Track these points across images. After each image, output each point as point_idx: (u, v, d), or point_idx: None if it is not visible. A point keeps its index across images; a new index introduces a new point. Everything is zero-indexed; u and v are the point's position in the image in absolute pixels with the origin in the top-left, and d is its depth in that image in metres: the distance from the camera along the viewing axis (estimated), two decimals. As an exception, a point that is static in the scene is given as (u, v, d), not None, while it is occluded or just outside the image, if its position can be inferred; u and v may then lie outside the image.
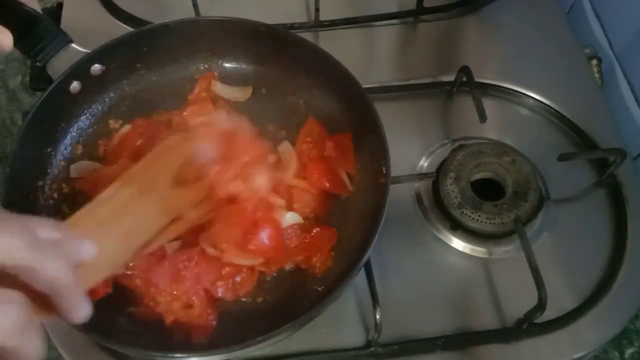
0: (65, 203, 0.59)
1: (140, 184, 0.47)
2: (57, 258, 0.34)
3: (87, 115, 0.64)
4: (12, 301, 0.32)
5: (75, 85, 0.61)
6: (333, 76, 0.61)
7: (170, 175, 0.48)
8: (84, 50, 0.61)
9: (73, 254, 0.36)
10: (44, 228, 0.35)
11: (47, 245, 0.34)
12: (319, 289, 0.55)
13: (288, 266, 0.57)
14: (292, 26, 0.76)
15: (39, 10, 0.61)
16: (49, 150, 0.60)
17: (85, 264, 0.37)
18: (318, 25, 0.76)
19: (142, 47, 0.64)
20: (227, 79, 0.67)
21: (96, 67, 0.62)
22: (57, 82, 0.59)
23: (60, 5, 0.78)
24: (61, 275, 0.34)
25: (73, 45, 0.61)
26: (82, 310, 0.36)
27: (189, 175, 0.50)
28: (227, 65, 0.67)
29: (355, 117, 0.61)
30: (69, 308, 0.35)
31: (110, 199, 0.46)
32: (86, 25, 0.75)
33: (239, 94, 0.66)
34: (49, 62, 0.60)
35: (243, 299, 0.56)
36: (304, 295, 0.55)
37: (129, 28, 0.76)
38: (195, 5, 0.72)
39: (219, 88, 0.66)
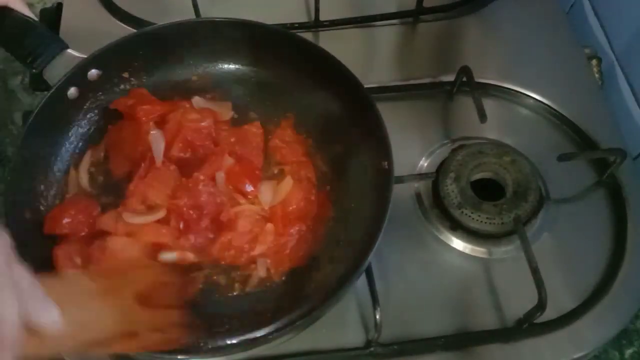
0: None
1: (104, 285, 0.46)
2: (13, 303, 0.30)
3: (87, 120, 0.63)
4: None
5: (72, 91, 0.61)
6: (334, 76, 0.61)
7: (135, 290, 0.47)
8: (81, 56, 0.61)
9: (36, 313, 0.32)
10: (21, 270, 0.32)
11: (9, 286, 0.30)
12: (321, 290, 0.55)
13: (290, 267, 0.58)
14: (292, 26, 0.76)
15: (32, 16, 0.61)
16: (49, 156, 0.60)
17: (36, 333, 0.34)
18: (318, 25, 0.76)
19: (141, 50, 0.64)
20: (228, 79, 0.67)
21: (93, 72, 0.62)
22: (54, 89, 0.59)
23: (59, 6, 0.77)
24: (8, 320, 0.30)
25: (69, 50, 0.61)
26: None
27: (156, 300, 0.48)
28: (227, 65, 0.67)
29: (357, 118, 0.61)
30: None
31: (73, 283, 0.45)
32: (85, 26, 0.75)
33: (220, 109, 0.65)
34: (45, 68, 0.60)
35: (244, 302, 0.56)
36: (306, 296, 0.55)
37: (129, 28, 0.76)
38: (195, 6, 0.72)
39: (198, 102, 0.65)
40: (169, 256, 0.56)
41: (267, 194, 0.60)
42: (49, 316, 0.34)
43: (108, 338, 0.44)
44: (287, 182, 0.60)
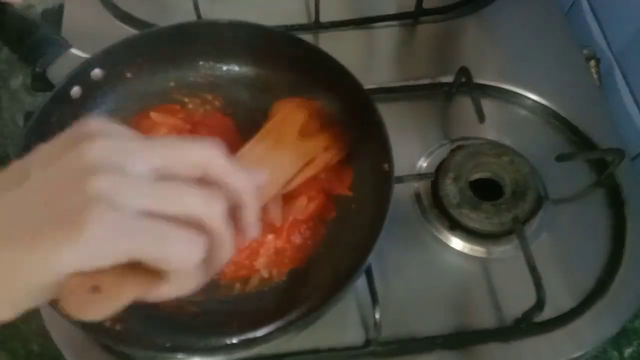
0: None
1: (272, 139, 0.57)
2: (243, 173, 0.37)
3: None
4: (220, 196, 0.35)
5: (76, 90, 0.61)
6: (334, 78, 0.62)
7: (296, 130, 0.59)
8: (84, 55, 0.61)
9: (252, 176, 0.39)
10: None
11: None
12: (321, 290, 0.55)
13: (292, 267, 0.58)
14: (292, 28, 0.76)
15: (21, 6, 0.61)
16: None
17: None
18: (318, 26, 0.77)
19: (143, 50, 0.64)
20: (229, 80, 0.67)
21: (97, 72, 0.62)
22: (57, 89, 0.59)
23: (61, 7, 0.78)
24: (249, 186, 0.37)
25: (73, 50, 0.62)
26: (256, 228, 0.38)
27: (312, 129, 0.60)
28: (228, 67, 0.68)
29: (357, 119, 0.61)
30: (249, 223, 0.38)
31: (250, 152, 0.56)
32: (87, 27, 0.76)
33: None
34: (48, 67, 0.61)
35: (244, 302, 0.56)
36: (306, 296, 0.55)
37: (130, 29, 0.76)
38: (196, 8, 0.73)
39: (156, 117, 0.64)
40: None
41: (276, 211, 0.58)
42: (260, 177, 0.41)
43: (293, 176, 0.56)
44: (301, 203, 0.59)
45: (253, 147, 0.57)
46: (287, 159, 0.57)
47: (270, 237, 0.58)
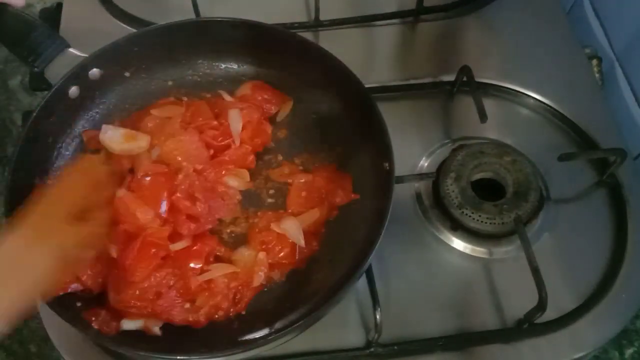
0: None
1: (34, 230, 0.44)
2: None
3: (87, 118, 0.63)
4: None
5: (74, 90, 0.60)
6: (334, 76, 0.61)
7: (68, 213, 0.46)
8: (82, 55, 0.61)
9: None
10: None
11: None
12: (321, 291, 0.55)
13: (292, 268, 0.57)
14: (292, 26, 0.76)
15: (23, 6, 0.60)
16: (50, 155, 0.60)
17: None
18: (318, 25, 0.76)
19: (142, 49, 0.64)
20: (228, 79, 0.67)
21: (95, 72, 0.62)
22: (55, 88, 0.59)
23: (59, 6, 0.77)
24: None
25: (71, 49, 0.61)
26: None
27: (92, 202, 0.49)
28: (227, 65, 0.67)
29: (358, 118, 0.61)
30: None
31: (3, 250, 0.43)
32: (85, 26, 0.75)
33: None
34: (47, 67, 0.60)
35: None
36: (307, 297, 0.55)
37: (128, 28, 0.76)
38: (195, 6, 0.72)
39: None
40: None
41: (297, 233, 0.57)
42: None
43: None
44: (314, 215, 0.58)
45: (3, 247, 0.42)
46: (51, 256, 0.43)
47: (261, 255, 0.56)
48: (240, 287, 0.55)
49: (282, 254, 0.56)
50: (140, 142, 0.59)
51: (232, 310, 0.54)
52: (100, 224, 0.49)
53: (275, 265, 0.56)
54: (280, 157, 0.63)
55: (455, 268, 0.61)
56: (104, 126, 0.61)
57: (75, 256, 0.47)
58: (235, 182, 0.60)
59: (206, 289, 0.54)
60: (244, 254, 0.56)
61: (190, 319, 0.53)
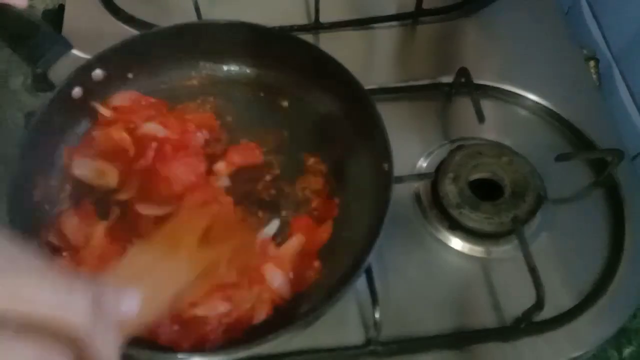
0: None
1: (163, 247, 0.46)
2: (106, 332, 0.30)
3: (90, 120, 0.64)
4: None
5: (77, 91, 0.61)
6: (334, 78, 0.62)
7: (196, 238, 0.47)
8: (85, 56, 0.61)
9: (118, 311, 0.32)
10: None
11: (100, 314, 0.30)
12: (321, 290, 0.55)
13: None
14: (292, 28, 0.76)
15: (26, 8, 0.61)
16: (52, 156, 0.60)
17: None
18: (318, 27, 0.77)
19: (144, 51, 0.64)
20: (229, 81, 0.67)
21: (98, 73, 0.62)
22: (59, 88, 0.59)
23: (61, 7, 0.78)
24: (110, 349, 0.31)
25: (74, 51, 0.62)
26: None
27: (216, 236, 0.49)
28: (228, 67, 0.68)
29: (357, 119, 0.61)
30: None
31: (132, 262, 0.44)
32: (88, 27, 0.76)
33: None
34: (49, 68, 0.61)
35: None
36: (306, 296, 0.55)
37: (130, 30, 0.77)
38: (196, 8, 0.73)
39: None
40: None
41: (282, 284, 0.55)
42: (129, 304, 0.34)
43: (182, 290, 0.44)
44: (299, 241, 0.58)
45: (137, 256, 0.45)
46: (178, 273, 0.45)
47: (268, 265, 0.56)
48: (233, 323, 0.53)
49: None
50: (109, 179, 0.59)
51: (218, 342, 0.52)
52: (223, 253, 0.49)
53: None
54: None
55: (454, 267, 0.62)
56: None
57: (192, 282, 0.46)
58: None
59: (198, 318, 0.52)
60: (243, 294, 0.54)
61: (175, 342, 0.52)
